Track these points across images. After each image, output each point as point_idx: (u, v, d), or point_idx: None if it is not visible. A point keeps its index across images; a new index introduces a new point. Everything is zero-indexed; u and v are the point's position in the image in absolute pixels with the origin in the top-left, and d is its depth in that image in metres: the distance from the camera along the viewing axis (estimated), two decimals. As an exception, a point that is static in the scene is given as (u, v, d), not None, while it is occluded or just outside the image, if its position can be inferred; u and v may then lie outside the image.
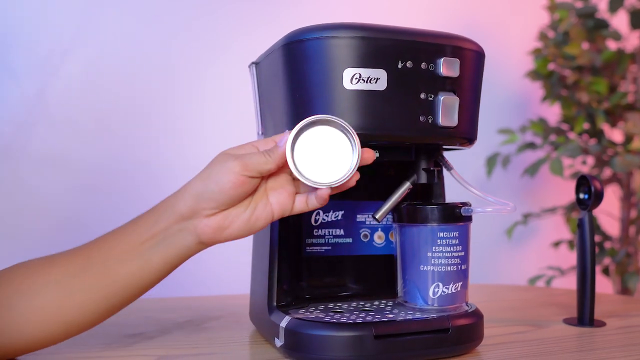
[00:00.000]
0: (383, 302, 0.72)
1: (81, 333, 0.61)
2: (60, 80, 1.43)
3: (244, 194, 0.57)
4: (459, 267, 0.66)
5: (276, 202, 0.59)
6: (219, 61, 1.56)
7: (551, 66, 1.77)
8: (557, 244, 1.82)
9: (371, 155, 0.59)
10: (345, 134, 0.57)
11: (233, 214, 0.58)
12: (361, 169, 0.58)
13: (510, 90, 1.96)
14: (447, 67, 0.62)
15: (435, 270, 0.65)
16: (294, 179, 0.60)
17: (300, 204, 0.60)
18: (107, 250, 0.59)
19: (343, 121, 0.57)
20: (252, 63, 0.73)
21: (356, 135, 0.57)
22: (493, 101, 1.83)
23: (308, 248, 0.72)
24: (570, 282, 1.70)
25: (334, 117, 0.57)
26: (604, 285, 1.82)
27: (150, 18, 1.52)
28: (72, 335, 0.60)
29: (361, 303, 0.72)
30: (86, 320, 0.59)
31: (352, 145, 0.57)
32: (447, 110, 0.62)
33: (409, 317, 0.64)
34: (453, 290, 0.66)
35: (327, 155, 0.57)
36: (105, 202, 1.45)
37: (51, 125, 1.43)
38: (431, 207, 0.65)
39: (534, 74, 1.78)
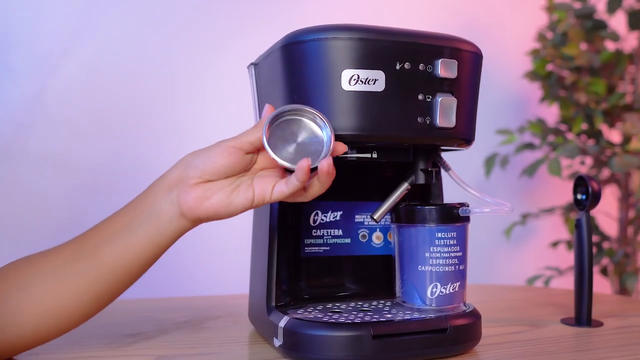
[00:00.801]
0: (381, 302, 0.73)
1: (74, 327, 0.60)
2: (60, 80, 1.43)
3: (230, 166, 0.59)
4: (457, 267, 0.66)
5: (258, 186, 0.60)
6: (219, 61, 1.56)
7: (549, 67, 1.77)
8: (555, 244, 1.82)
9: (342, 148, 0.60)
10: (319, 124, 0.59)
11: (215, 187, 0.59)
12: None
13: (508, 90, 1.96)
14: (444, 69, 0.62)
15: (433, 270, 0.66)
16: (287, 171, 0.61)
17: (280, 187, 0.59)
18: (98, 234, 0.60)
19: (319, 112, 0.59)
20: (251, 64, 0.73)
21: (330, 126, 0.58)
22: (491, 102, 1.83)
23: (307, 248, 0.72)
24: (568, 282, 1.70)
25: (311, 108, 0.59)
26: (602, 286, 1.82)
27: (150, 18, 1.52)
28: (66, 329, 0.60)
29: (359, 303, 0.72)
30: (77, 310, 0.59)
31: (324, 134, 0.58)
32: (445, 111, 0.62)
33: (407, 317, 0.64)
34: (451, 291, 0.66)
35: (302, 143, 0.59)
36: (105, 202, 1.44)
37: (51, 125, 1.43)
38: (429, 207, 0.66)
39: (533, 75, 1.78)
